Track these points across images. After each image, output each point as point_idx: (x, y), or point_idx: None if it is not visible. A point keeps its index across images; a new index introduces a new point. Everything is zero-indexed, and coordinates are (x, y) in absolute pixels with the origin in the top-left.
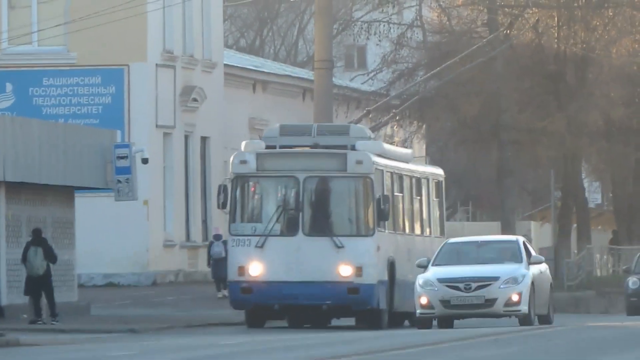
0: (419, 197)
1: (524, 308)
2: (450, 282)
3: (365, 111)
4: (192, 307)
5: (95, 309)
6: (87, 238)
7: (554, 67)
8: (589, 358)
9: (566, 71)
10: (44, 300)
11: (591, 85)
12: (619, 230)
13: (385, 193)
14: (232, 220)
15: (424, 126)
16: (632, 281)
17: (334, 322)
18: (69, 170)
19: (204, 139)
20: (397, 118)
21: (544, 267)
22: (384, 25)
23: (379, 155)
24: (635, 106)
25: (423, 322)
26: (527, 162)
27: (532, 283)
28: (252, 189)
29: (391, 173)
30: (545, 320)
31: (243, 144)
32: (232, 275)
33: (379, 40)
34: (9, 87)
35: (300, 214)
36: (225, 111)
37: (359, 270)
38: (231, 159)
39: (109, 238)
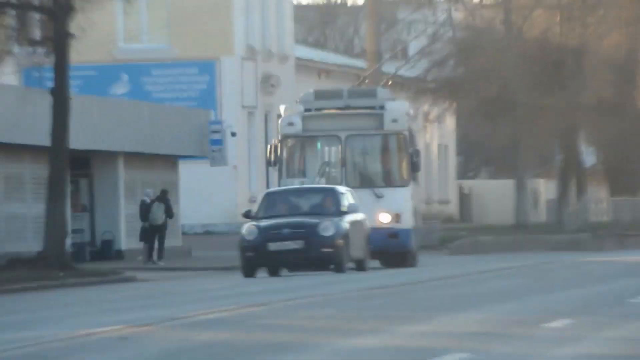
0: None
1: None
2: None
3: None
4: None
5: (195, 251)
6: (188, 196)
7: (557, 56)
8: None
9: (566, 59)
10: (155, 246)
11: (586, 71)
12: (609, 185)
13: (417, 147)
14: (281, 176)
15: (454, 104)
16: (248, 229)
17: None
18: (173, 142)
19: (280, 117)
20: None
21: None
22: (421, 24)
23: (406, 114)
24: (622, 87)
25: None
26: (536, 132)
27: None
28: (299, 147)
29: (412, 129)
30: None
31: (282, 107)
32: None
33: (417, 36)
34: (124, 77)
35: (344, 168)
36: (297, 94)
37: (397, 217)
38: (279, 121)
39: (206, 196)
